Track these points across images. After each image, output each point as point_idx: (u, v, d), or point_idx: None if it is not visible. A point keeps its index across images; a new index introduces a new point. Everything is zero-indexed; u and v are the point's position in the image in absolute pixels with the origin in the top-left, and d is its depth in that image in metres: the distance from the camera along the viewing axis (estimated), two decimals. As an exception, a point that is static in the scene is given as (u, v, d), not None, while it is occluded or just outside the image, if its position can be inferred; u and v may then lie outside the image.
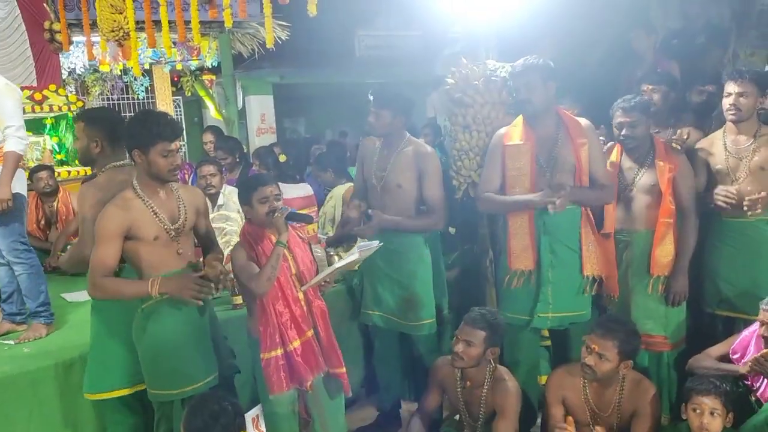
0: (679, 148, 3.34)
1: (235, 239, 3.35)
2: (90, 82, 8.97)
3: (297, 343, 2.74)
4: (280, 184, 4.09)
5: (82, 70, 8.41)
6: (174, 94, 9.47)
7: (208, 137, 5.83)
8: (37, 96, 6.13)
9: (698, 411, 2.61)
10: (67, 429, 2.98)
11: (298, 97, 11.87)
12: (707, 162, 3.31)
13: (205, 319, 2.73)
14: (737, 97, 3.16)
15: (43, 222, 5.38)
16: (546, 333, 3.45)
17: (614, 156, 3.35)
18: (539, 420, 3.29)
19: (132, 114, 3.66)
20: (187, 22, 4.49)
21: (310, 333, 2.79)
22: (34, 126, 6.27)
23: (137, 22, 4.71)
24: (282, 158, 5.46)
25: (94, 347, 2.80)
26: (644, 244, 3.23)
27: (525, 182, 3.12)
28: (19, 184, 3.42)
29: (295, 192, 4.21)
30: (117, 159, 2.73)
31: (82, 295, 4.12)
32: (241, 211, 3.41)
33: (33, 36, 6.17)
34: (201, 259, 2.78)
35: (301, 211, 3.81)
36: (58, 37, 5.99)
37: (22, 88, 5.25)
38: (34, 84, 6.22)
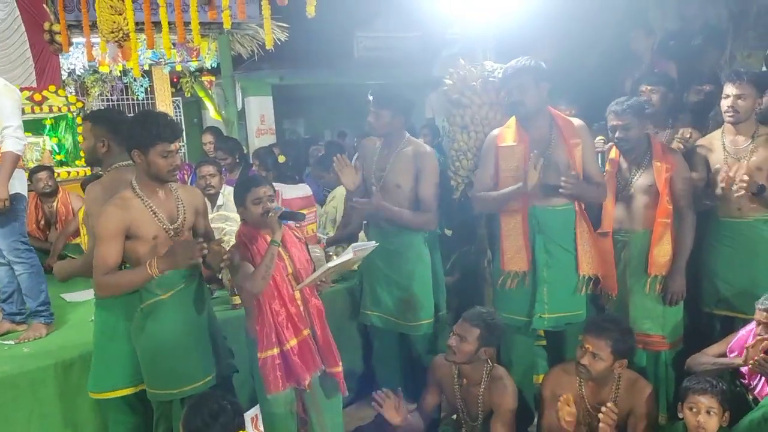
0: (682, 146, 3.34)
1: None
2: (89, 83, 8.98)
3: (293, 343, 2.75)
4: (279, 184, 4.13)
5: (82, 71, 8.42)
6: (173, 95, 9.49)
7: (208, 138, 5.84)
8: (37, 97, 6.13)
9: (695, 410, 2.62)
10: (66, 429, 2.99)
11: (297, 98, 11.88)
12: (705, 162, 3.32)
13: (203, 318, 2.74)
14: (735, 99, 3.17)
15: (42, 222, 5.39)
16: (541, 332, 3.46)
17: (613, 153, 3.37)
18: (536, 419, 3.30)
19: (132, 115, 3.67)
20: (187, 24, 4.51)
21: (306, 332, 2.80)
22: (34, 127, 6.28)
23: (137, 24, 4.72)
24: (281, 159, 5.47)
25: (98, 346, 2.81)
26: (642, 244, 3.24)
27: (519, 182, 3.13)
28: (20, 184, 3.43)
29: (295, 192, 4.22)
30: (123, 159, 2.74)
31: (81, 295, 4.14)
32: (240, 211, 3.42)
33: (33, 37, 6.18)
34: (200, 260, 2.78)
35: (300, 211, 3.82)
36: (57, 38, 6.01)
37: (22, 89, 5.27)
38: (34, 85, 6.23)
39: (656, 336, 3.25)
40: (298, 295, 2.82)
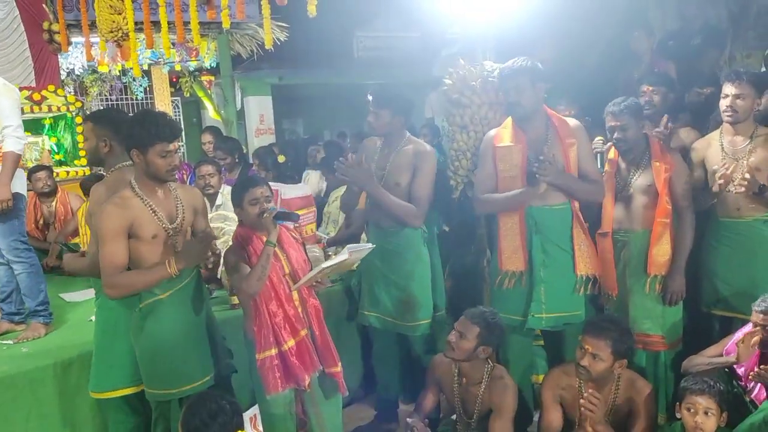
0: (661, 138, 3.34)
1: (234, 239, 3.36)
2: (89, 83, 8.98)
3: (291, 343, 2.75)
4: (278, 184, 4.13)
5: (81, 70, 8.42)
6: (172, 94, 9.49)
7: (208, 137, 5.84)
8: (36, 96, 6.13)
9: (692, 410, 2.62)
10: (65, 428, 2.99)
11: (296, 98, 11.88)
12: (703, 162, 3.33)
13: (202, 318, 2.74)
14: (734, 99, 3.17)
15: (41, 222, 5.39)
16: (539, 332, 3.45)
17: (611, 154, 3.37)
18: (535, 419, 3.30)
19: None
20: (186, 23, 4.51)
21: (304, 332, 2.79)
22: (33, 126, 6.28)
23: (136, 23, 4.72)
24: (281, 159, 5.48)
25: (99, 346, 2.80)
26: (641, 244, 3.24)
27: (517, 183, 3.13)
28: (19, 184, 3.43)
29: (294, 192, 4.22)
30: (126, 159, 2.72)
31: (80, 295, 4.15)
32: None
33: (32, 36, 6.17)
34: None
35: (299, 212, 3.82)
36: (57, 37, 6.01)
37: (21, 89, 5.27)
38: (33, 84, 6.22)
39: (656, 336, 3.25)
40: (296, 295, 2.81)
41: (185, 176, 5.60)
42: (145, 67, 8.33)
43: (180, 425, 2.30)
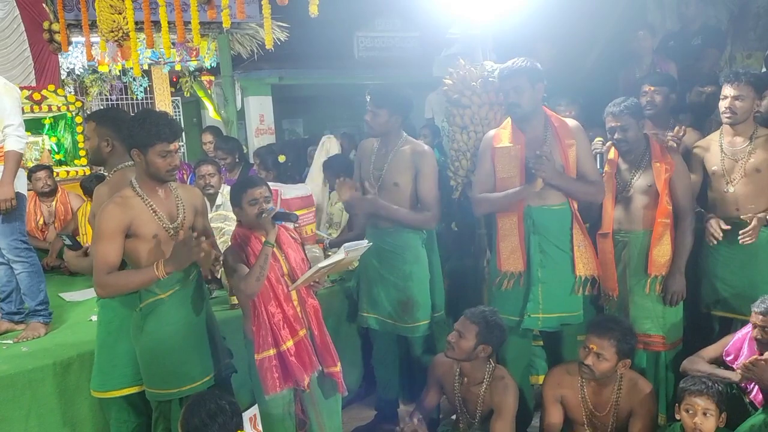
0: (675, 145, 3.35)
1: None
2: (89, 83, 8.96)
3: (290, 343, 2.75)
4: (279, 184, 4.13)
5: (81, 70, 8.40)
6: (173, 94, 9.47)
7: (208, 137, 5.85)
8: (36, 96, 6.14)
9: (691, 411, 2.62)
10: (65, 428, 2.98)
11: (296, 98, 11.87)
12: (703, 163, 3.33)
13: (202, 318, 2.74)
14: (733, 100, 3.17)
15: (41, 222, 5.39)
16: (536, 332, 3.45)
17: (611, 154, 3.37)
18: (534, 420, 3.30)
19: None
20: (187, 23, 4.50)
21: (303, 333, 2.80)
22: (33, 126, 6.28)
23: (136, 23, 4.72)
24: (281, 158, 5.48)
25: (102, 346, 2.80)
26: (642, 244, 3.24)
27: (515, 184, 3.13)
28: (20, 183, 3.43)
29: (294, 192, 4.22)
30: (128, 159, 2.72)
31: (80, 295, 4.15)
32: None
33: (32, 36, 6.18)
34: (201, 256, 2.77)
35: (299, 211, 3.82)
36: (57, 37, 6.00)
37: (21, 88, 5.26)
38: (33, 84, 6.23)
39: (656, 336, 3.25)
40: (294, 295, 2.81)
41: (185, 176, 5.61)
42: (146, 67, 8.31)
43: (180, 425, 2.30)
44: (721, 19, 4.94)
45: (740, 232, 3.11)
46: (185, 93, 9.99)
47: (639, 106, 3.31)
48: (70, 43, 5.91)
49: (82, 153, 6.36)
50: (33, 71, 6.27)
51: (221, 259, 2.73)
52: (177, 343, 2.62)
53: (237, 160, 5.31)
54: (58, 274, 4.79)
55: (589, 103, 3.90)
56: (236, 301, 3.37)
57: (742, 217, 3.11)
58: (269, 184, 2.96)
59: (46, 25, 6.13)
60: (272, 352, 2.73)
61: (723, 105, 3.20)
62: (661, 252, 3.21)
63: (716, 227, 3.18)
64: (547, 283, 3.15)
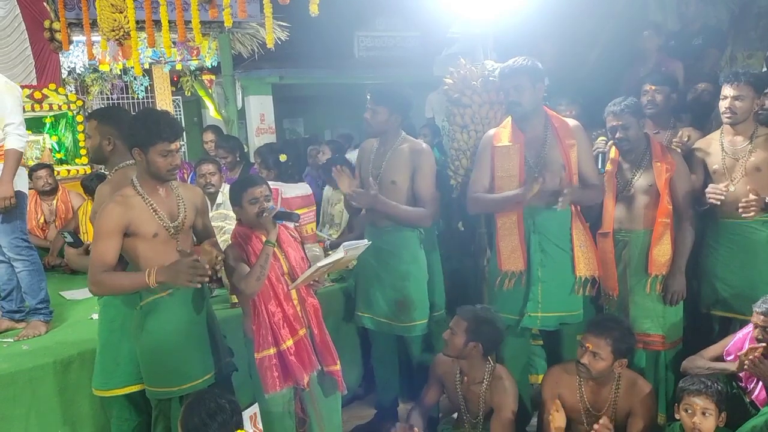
0: (679, 150, 3.36)
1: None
2: (90, 82, 8.98)
3: (290, 343, 2.75)
4: (279, 183, 4.13)
5: (82, 69, 8.42)
6: (173, 93, 9.47)
7: (209, 136, 5.85)
8: (37, 95, 6.14)
9: (690, 411, 2.62)
10: (65, 426, 2.99)
11: (297, 98, 11.88)
12: (704, 162, 3.33)
13: (203, 317, 2.74)
14: (733, 101, 3.18)
15: (42, 220, 5.40)
16: (535, 331, 3.45)
17: (613, 153, 3.37)
18: (533, 420, 3.30)
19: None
20: (188, 22, 4.50)
21: (303, 332, 2.80)
22: (34, 125, 6.29)
23: (137, 22, 4.71)
24: (282, 158, 5.47)
25: (104, 344, 2.80)
26: (642, 244, 3.25)
27: (514, 183, 3.13)
28: (21, 182, 3.44)
29: (295, 191, 4.22)
30: (129, 157, 2.72)
31: (81, 293, 4.15)
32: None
33: (33, 35, 6.19)
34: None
35: (299, 211, 3.82)
36: (58, 36, 6.01)
37: (22, 87, 5.27)
38: (34, 83, 6.24)
39: (656, 336, 3.25)
40: (294, 294, 2.81)
41: (186, 175, 5.61)
42: (147, 66, 8.32)
43: (179, 424, 2.30)
44: (722, 18, 4.94)
45: (741, 201, 3.05)
46: (186, 92, 10.01)
47: (639, 105, 3.32)
48: (71, 41, 5.91)
49: (82, 152, 6.37)
50: (34, 70, 6.28)
51: (219, 262, 2.72)
52: (177, 341, 2.62)
53: (238, 159, 5.31)
54: (58, 273, 4.80)
55: (590, 103, 3.90)
56: (236, 300, 3.38)
57: (743, 216, 3.10)
58: (270, 183, 2.96)
59: (47, 23, 6.13)
60: (272, 351, 2.73)
61: (723, 105, 3.21)
62: (662, 252, 3.21)
63: (715, 188, 3.11)
64: (547, 283, 3.15)
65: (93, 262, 2.50)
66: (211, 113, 10.16)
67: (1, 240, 3.39)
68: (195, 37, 4.47)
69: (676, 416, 2.71)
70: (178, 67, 8.84)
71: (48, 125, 6.57)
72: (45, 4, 6.12)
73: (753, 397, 2.86)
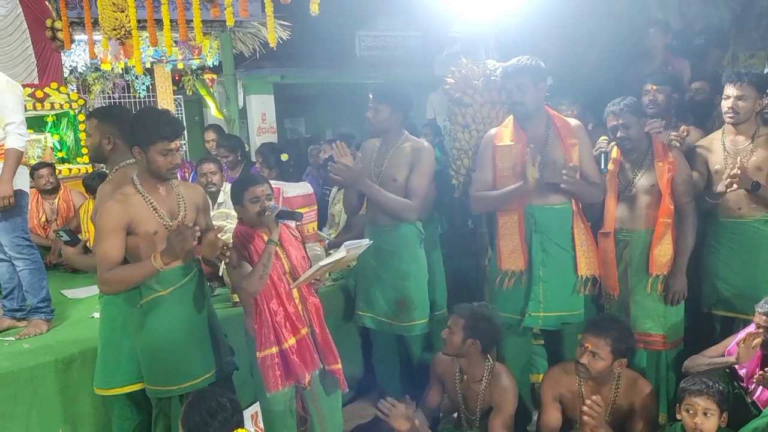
0: (678, 145, 3.35)
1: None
2: (91, 81, 8.99)
3: (292, 341, 2.75)
4: (280, 182, 4.13)
5: (84, 68, 8.43)
6: (175, 93, 9.48)
7: (211, 135, 5.86)
8: (39, 94, 6.14)
9: (691, 411, 2.61)
10: (66, 425, 2.99)
11: (298, 97, 11.90)
12: (706, 162, 3.33)
13: (203, 315, 2.74)
14: (735, 101, 3.17)
15: (43, 219, 5.40)
16: (536, 331, 3.45)
17: (614, 153, 3.37)
18: (534, 418, 3.30)
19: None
20: (189, 21, 4.50)
21: (304, 331, 2.80)
22: (36, 123, 6.29)
23: (139, 21, 4.72)
24: (284, 157, 5.47)
25: (106, 343, 2.80)
26: (644, 244, 3.24)
27: (515, 182, 3.11)
28: (22, 181, 3.44)
29: (296, 190, 4.22)
30: (130, 156, 2.72)
31: (82, 292, 4.16)
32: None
33: (35, 34, 6.19)
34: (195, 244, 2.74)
35: (300, 209, 3.82)
36: (59, 35, 6.02)
37: (24, 86, 5.28)
38: (36, 82, 6.24)
39: (657, 336, 3.25)
40: (296, 293, 2.81)
41: (188, 174, 5.62)
42: (148, 65, 8.33)
43: (180, 423, 2.29)
44: (724, 18, 4.93)
45: (728, 174, 3.03)
46: (187, 91, 10.01)
47: (639, 104, 3.31)
48: (72, 40, 5.93)
49: (84, 151, 6.37)
50: (36, 69, 6.29)
51: (226, 250, 2.69)
52: (177, 340, 2.62)
53: (239, 158, 5.32)
54: (60, 271, 4.81)
55: (591, 103, 3.90)
56: (238, 299, 3.38)
57: (728, 190, 3.10)
58: (271, 182, 2.96)
59: (48, 22, 6.14)
60: (274, 350, 2.73)
61: (725, 105, 3.21)
62: (663, 251, 3.21)
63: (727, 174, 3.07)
64: (549, 282, 3.15)
65: (99, 262, 2.50)
66: (213, 112, 10.17)
67: (2, 239, 3.40)
68: (196, 36, 4.47)
69: (678, 416, 2.71)
70: (180, 66, 8.85)
71: (50, 124, 6.57)
72: (47, 3, 6.13)
73: (755, 397, 2.85)
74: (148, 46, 5.63)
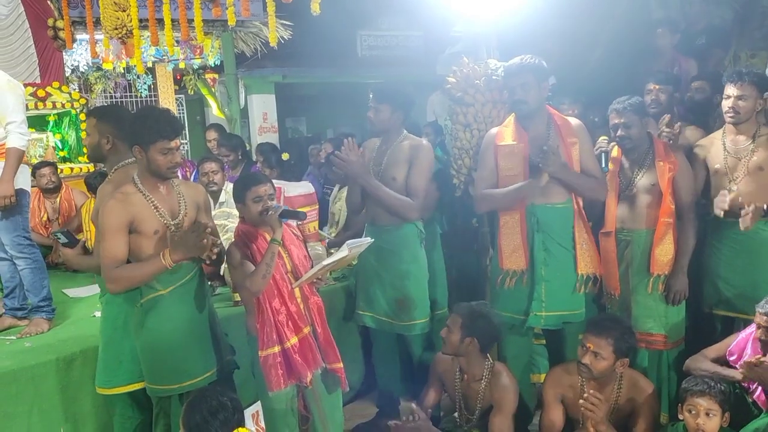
0: (669, 141, 3.34)
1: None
2: (93, 80, 9.00)
3: (294, 341, 2.75)
4: (282, 181, 4.13)
5: (86, 67, 8.44)
6: (177, 92, 9.50)
7: (212, 135, 5.87)
8: (41, 93, 6.14)
9: (693, 412, 2.61)
10: (67, 424, 2.99)
11: (300, 97, 11.89)
12: (706, 162, 3.32)
13: (204, 314, 2.74)
14: (736, 100, 3.17)
15: (45, 218, 5.41)
16: (537, 330, 3.45)
17: (615, 152, 3.37)
18: (535, 419, 3.30)
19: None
20: (191, 21, 4.51)
21: (306, 330, 2.79)
22: (37, 123, 6.29)
23: (140, 20, 4.73)
24: (285, 156, 5.49)
25: (107, 342, 2.80)
26: (645, 243, 3.24)
27: (518, 181, 3.12)
28: (23, 180, 3.44)
29: (297, 190, 4.22)
30: (129, 156, 2.72)
31: (83, 291, 4.17)
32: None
33: (37, 33, 6.19)
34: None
35: (302, 209, 3.82)
36: (61, 34, 6.03)
37: (26, 85, 5.28)
38: (38, 81, 6.24)
39: (658, 335, 3.24)
40: (298, 292, 2.81)
41: (189, 173, 5.62)
42: (150, 65, 8.34)
43: (181, 422, 2.30)
44: (726, 18, 4.93)
45: (742, 213, 3.03)
46: (189, 91, 10.02)
47: (643, 104, 3.31)
48: (74, 40, 5.94)
49: (85, 150, 6.37)
50: (37, 68, 6.28)
51: (219, 250, 2.70)
52: (177, 339, 2.62)
53: (240, 157, 5.32)
54: (61, 270, 4.81)
55: (593, 102, 3.89)
56: (239, 298, 3.38)
57: (742, 228, 3.09)
58: (273, 181, 2.96)
59: (50, 22, 6.14)
60: (276, 349, 2.73)
61: (726, 105, 3.20)
62: (664, 251, 3.21)
63: (721, 198, 3.07)
64: (551, 281, 3.15)
65: (105, 261, 2.50)
66: (214, 112, 10.18)
67: (4, 238, 3.40)
68: (198, 36, 4.48)
69: (680, 416, 2.71)
70: (181, 65, 8.87)
71: (51, 123, 6.57)
72: (49, 2, 6.13)
73: (755, 397, 2.85)
74: (150, 46, 5.65)
